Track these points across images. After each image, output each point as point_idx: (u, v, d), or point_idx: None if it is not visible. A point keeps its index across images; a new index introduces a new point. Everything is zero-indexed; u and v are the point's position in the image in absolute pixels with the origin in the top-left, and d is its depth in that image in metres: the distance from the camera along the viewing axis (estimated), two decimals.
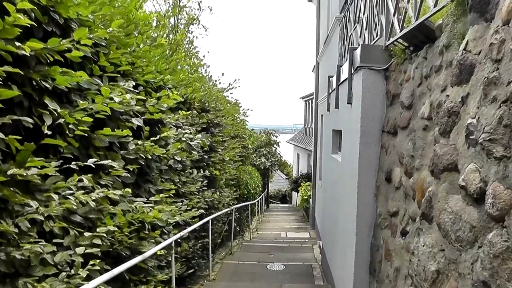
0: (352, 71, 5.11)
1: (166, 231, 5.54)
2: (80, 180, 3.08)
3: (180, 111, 5.96)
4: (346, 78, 5.72)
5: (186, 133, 6.07)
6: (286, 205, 30.72)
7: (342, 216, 5.70)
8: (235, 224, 12.44)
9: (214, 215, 8.17)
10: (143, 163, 4.73)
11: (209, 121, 8.31)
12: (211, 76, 9.40)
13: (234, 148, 9.45)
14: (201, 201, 7.46)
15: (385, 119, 4.45)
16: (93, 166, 3.42)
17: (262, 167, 24.54)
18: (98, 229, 3.23)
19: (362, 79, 4.53)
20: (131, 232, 4.19)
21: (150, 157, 4.82)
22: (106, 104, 3.41)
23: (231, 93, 10.72)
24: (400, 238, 3.78)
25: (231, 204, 10.20)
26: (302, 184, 20.95)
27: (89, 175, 3.67)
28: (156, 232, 4.43)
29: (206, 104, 8.12)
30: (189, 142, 6.00)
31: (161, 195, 4.99)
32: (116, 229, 3.41)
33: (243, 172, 13.29)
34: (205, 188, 7.63)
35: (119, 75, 4.09)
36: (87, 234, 3.12)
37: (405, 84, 3.96)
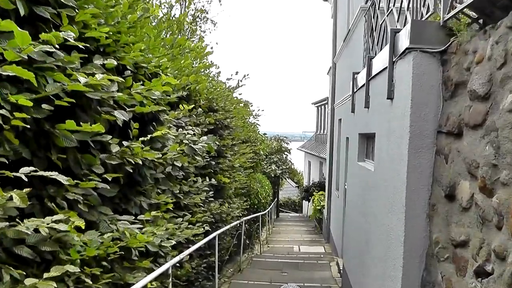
0: (394, 58, 4.10)
1: (162, 254, 4.55)
2: (10, 199, 2.07)
3: (181, 106, 4.97)
4: (383, 69, 4.74)
5: (188, 133, 5.08)
6: (297, 215, 29.61)
7: (377, 237, 4.67)
8: (244, 237, 11.42)
9: (221, 230, 7.16)
10: (132, 170, 3.75)
11: (217, 122, 7.33)
12: (219, 72, 8.48)
13: (245, 154, 8.44)
14: (206, 214, 6.47)
15: (442, 116, 3.43)
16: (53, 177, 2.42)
17: (273, 175, 23.50)
18: (52, 270, 2.23)
19: (413, 64, 3.52)
20: (112, 261, 3.21)
21: (140, 162, 3.83)
22: (66, 85, 2.42)
23: (240, 94, 9.75)
24: (473, 279, 2.74)
25: (241, 216, 9.20)
26: (314, 193, 19.88)
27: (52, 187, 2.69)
28: (144, 262, 3.44)
29: (214, 103, 7.15)
30: (192, 145, 5.01)
31: (153, 212, 3.99)
32: (78, 270, 2.40)
33: (253, 181, 12.28)
34: (212, 198, 6.64)
35: (96, 53, 3.11)
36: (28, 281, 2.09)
37: (476, 68, 2.94)
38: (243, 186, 9.13)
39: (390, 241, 4.01)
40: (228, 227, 7.71)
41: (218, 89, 7.51)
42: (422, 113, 3.51)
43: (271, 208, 18.87)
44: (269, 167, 23.54)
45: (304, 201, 25.96)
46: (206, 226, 5.61)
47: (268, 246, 13.34)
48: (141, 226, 3.69)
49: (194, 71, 5.59)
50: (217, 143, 7.22)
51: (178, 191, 5.34)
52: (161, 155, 4.22)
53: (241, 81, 8.56)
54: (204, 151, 6.40)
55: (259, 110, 10.84)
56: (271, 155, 24.51)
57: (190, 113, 5.44)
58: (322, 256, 11.27)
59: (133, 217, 3.78)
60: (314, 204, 18.73)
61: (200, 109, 6.29)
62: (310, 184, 23.61)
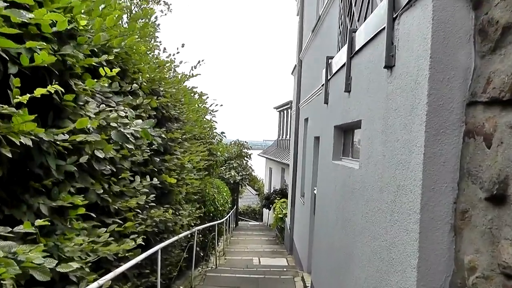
0: (395, 13, 3.00)
1: (74, 279, 3.28)
2: None
3: (102, 71, 3.68)
4: (372, 38, 3.68)
5: (119, 115, 3.81)
6: (257, 223, 28.43)
7: (367, 256, 3.52)
8: (198, 249, 10.10)
9: (166, 242, 5.87)
10: (20, 154, 2.46)
11: (164, 111, 6.06)
12: (164, 48, 7.17)
13: (198, 152, 7.16)
14: (147, 222, 5.18)
15: (476, 80, 2.34)
16: None
17: (232, 181, 22.24)
18: None
19: (433, 9, 2.42)
20: None
21: (30, 143, 2.54)
22: None
23: (194, 88, 8.50)
24: None
25: (193, 225, 7.91)
26: (275, 201, 18.79)
27: None
28: None
29: (160, 87, 5.87)
30: (122, 129, 3.75)
31: (38, 221, 2.70)
32: None
33: (209, 185, 11.00)
34: (153, 204, 5.34)
35: None
36: None
37: None
38: (196, 190, 7.84)
39: (390, 262, 2.87)
40: (176, 238, 6.41)
41: (164, 67, 6.23)
42: (446, 76, 2.41)
43: (229, 216, 17.59)
44: (228, 172, 22.27)
45: (264, 209, 24.83)
46: (141, 238, 4.33)
47: (226, 258, 12.07)
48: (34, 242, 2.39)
49: (127, 34, 4.35)
50: (163, 136, 5.95)
51: (101, 192, 4.03)
52: (66, 136, 2.93)
53: (195, 67, 7.33)
54: (145, 144, 5.14)
55: (216, 105, 9.53)
56: (230, 160, 23.26)
57: (122, 88, 4.16)
58: (285, 269, 10.11)
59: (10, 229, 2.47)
60: (275, 212, 17.61)
61: (141, 91, 5.01)
62: (271, 191, 22.52)
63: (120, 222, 4.28)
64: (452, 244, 2.38)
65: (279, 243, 16.43)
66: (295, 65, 14.84)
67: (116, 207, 4.44)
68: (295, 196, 12.52)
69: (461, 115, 2.40)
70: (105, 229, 3.82)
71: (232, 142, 25.43)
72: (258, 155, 31.38)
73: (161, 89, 6.02)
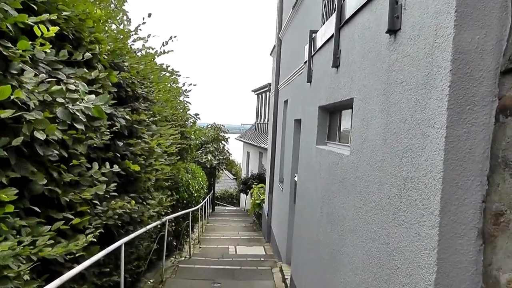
0: None
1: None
2: None
3: (37, 30, 3.00)
4: (365, 3, 3.12)
5: (68, 88, 3.15)
6: (234, 208, 27.94)
7: (359, 258, 3.00)
8: (171, 238, 9.52)
9: (130, 236, 5.26)
10: None
11: (129, 89, 5.40)
12: (129, 19, 6.42)
13: (168, 135, 6.51)
14: (108, 214, 4.56)
15: None
16: None
17: (208, 166, 21.58)
18: None
19: None
20: None
21: None
22: None
23: (168, 66, 7.80)
24: None
25: (163, 214, 7.30)
26: (253, 186, 18.27)
27: None
28: None
29: (123, 61, 5.19)
30: (69, 105, 3.10)
31: None
32: None
33: (183, 171, 10.37)
34: (115, 193, 4.72)
35: None
36: None
37: None
38: (167, 177, 7.21)
39: (394, 272, 2.33)
40: (143, 230, 5.80)
41: (131, 45, 5.55)
42: (474, 36, 1.85)
43: (206, 202, 17.02)
44: (204, 157, 21.59)
45: (242, 194, 24.33)
46: (92, 235, 3.72)
47: (200, 247, 11.52)
48: None
49: None
50: (127, 117, 5.30)
51: (51, 181, 3.40)
52: None
53: (166, 43, 6.64)
54: (104, 125, 4.49)
55: (190, 84, 8.82)
56: (207, 144, 22.58)
57: (72, 57, 3.48)
58: (262, 259, 9.62)
59: None
60: (253, 198, 17.12)
61: (100, 65, 4.33)
62: (249, 176, 21.99)
63: (71, 217, 3.65)
64: (480, 255, 1.85)
65: (257, 230, 15.97)
66: (274, 45, 14.20)
67: (70, 199, 3.81)
68: (274, 182, 12.02)
69: (493, 86, 1.86)
70: (50, 227, 3.19)
71: (209, 126, 24.71)
72: (235, 139, 30.75)
73: (126, 64, 5.34)
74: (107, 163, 4.62)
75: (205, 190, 18.11)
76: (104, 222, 4.42)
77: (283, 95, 10.93)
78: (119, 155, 5.10)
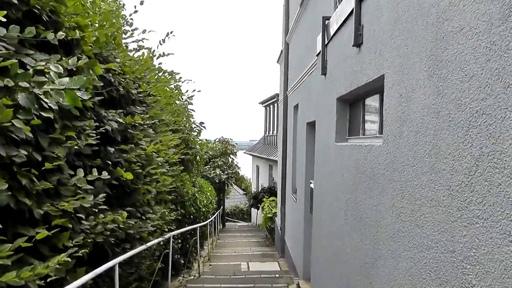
0: None
1: None
2: None
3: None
4: None
5: (45, 69, 2.56)
6: (245, 224, 27.19)
7: (416, 275, 2.32)
8: (178, 256, 8.85)
9: (125, 256, 4.62)
10: None
11: (121, 87, 4.81)
12: (123, 4, 5.84)
13: (167, 141, 5.89)
14: (96, 229, 3.93)
15: None
16: None
17: (217, 180, 20.93)
18: None
19: None
20: None
21: None
22: None
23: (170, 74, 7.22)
24: None
25: (166, 230, 6.66)
26: (264, 199, 17.57)
27: None
28: None
29: (111, 54, 4.60)
30: (37, 90, 2.50)
31: None
32: None
33: (189, 184, 9.74)
34: (105, 207, 4.10)
35: None
36: None
37: None
38: (170, 189, 6.58)
39: None
40: (141, 248, 5.14)
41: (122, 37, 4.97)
42: None
43: (215, 218, 16.34)
44: (212, 171, 20.96)
45: (253, 208, 23.59)
46: (69, 260, 3.10)
47: (211, 265, 10.82)
48: None
49: None
50: (119, 120, 4.70)
51: (17, 190, 2.79)
52: None
53: (163, 41, 6.06)
54: (90, 126, 3.89)
55: (194, 91, 8.23)
56: (215, 158, 21.96)
57: (40, 36, 2.87)
58: (277, 276, 8.89)
59: None
60: (264, 212, 16.39)
61: (84, 56, 3.74)
62: (259, 190, 21.29)
63: (46, 232, 3.02)
64: None
65: (270, 245, 15.23)
66: (281, 51, 13.66)
67: (45, 210, 3.19)
68: (286, 193, 11.33)
69: None
70: (10, 245, 2.56)
71: (217, 140, 24.12)
72: (244, 152, 30.12)
73: (117, 60, 4.76)
74: (94, 170, 4.00)
75: (214, 206, 17.45)
76: (91, 239, 3.78)
77: (292, 101, 10.32)
78: (110, 163, 4.48)
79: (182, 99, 8.42)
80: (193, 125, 8.89)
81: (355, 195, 3.46)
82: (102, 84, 4.05)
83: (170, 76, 6.83)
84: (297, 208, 8.78)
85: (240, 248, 13.99)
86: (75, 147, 3.63)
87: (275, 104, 23.14)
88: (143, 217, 5.34)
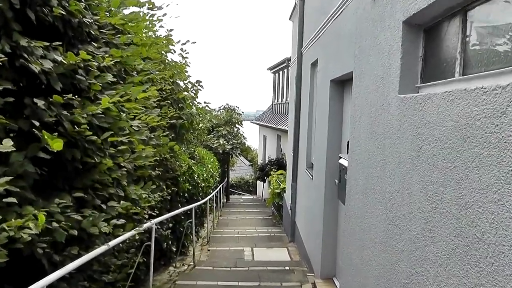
0: None
1: None
2: None
3: None
4: None
5: None
6: (250, 197, 25.77)
7: None
8: (167, 244, 7.30)
9: (63, 270, 3.02)
10: None
11: (67, 13, 3.13)
12: None
13: (141, 94, 4.16)
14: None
15: None
16: None
17: (221, 151, 19.30)
18: None
19: None
20: None
21: None
22: None
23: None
24: None
25: (146, 217, 5.07)
26: (271, 173, 15.99)
27: None
28: None
29: None
30: None
31: None
32: None
33: (184, 155, 8.12)
34: (30, 196, 2.48)
35: None
36: None
37: None
38: (152, 163, 4.95)
39: None
40: (93, 254, 3.53)
41: None
42: None
43: (218, 192, 14.82)
44: (216, 141, 19.33)
45: (258, 181, 22.07)
46: None
47: (209, 250, 9.29)
48: None
49: None
50: (57, 57, 3.04)
51: None
52: None
53: None
54: None
55: (187, 42, 6.50)
56: (218, 127, 20.30)
57: None
58: (287, 268, 7.36)
59: None
60: (271, 187, 14.83)
61: None
62: (266, 162, 19.69)
63: None
64: None
65: (277, 224, 13.72)
66: (295, 4, 11.81)
67: None
68: (298, 168, 9.70)
69: None
70: None
71: (221, 108, 22.39)
72: (251, 122, 28.40)
73: None
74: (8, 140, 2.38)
75: (217, 179, 15.91)
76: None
77: (309, 58, 8.56)
78: (38, 124, 2.84)
79: (174, 51, 6.68)
80: (189, 84, 7.17)
81: (456, 183, 1.80)
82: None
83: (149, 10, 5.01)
84: (313, 187, 7.15)
85: (244, 228, 12.49)
86: None
87: (285, 70, 21.28)
88: (104, 206, 3.74)
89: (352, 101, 3.95)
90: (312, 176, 7.46)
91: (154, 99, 4.34)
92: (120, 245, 4.69)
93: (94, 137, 3.34)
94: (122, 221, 3.78)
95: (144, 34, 5.07)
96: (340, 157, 4.90)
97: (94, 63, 3.37)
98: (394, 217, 2.60)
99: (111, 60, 3.68)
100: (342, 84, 5.88)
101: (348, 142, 5.04)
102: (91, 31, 3.64)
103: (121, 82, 4.06)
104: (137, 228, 4.45)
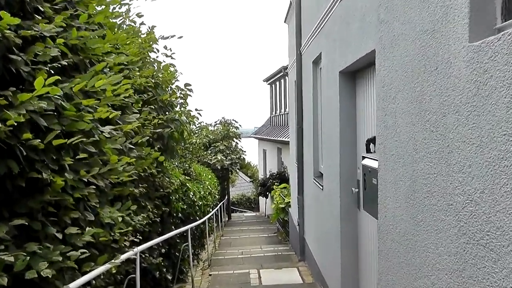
0: None
1: None
2: None
3: None
4: None
5: None
6: (253, 214, 24.75)
7: None
8: (161, 273, 6.33)
9: None
10: None
11: None
12: None
13: (100, 83, 3.24)
14: None
15: None
16: None
17: (219, 167, 18.35)
18: None
19: None
20: None
21: None
22: None
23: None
24: None
25: (125, 245, 4.15)
26: (274, 187, 15.06)
27: None
28: None
29: None
30: None
31: None
32: None
33: (177, 172, 7.21)
34: None
35: None
36: None
37: None
38: (131, 178, 4.03)
39: None
40: None
41: None
42: None
43: (217, 211, 13.88)
44: (214, 157, 18.40)
45: (260, 197, 21.10)
46: None
47: (210, 274, 8.33)
48: None
49: None
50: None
51: None
52: None
53: None
54: None
55: (173, 36, 5.66)
56: (216, 142, 19.40)
57: None
58: None
59: None
60: (275, 202, 13.88)
61: None
62: (267, 176, 18.75)
63: None
64: None
65: (283, 241, 12.75)
66: (290, 3, 11.05)
67: None
68: (304, 179, 8.80)
69: None
70: None
71: (217, 122, 21.51)
72: (249, 136, 27.52)
73: None
74: None
75: (217, 196, 14.96)
76: None
77: (310, 55, 7.73)
78: None
79: (158, 50, 5.83)
80: (176, 89, 6.29)
81: None
82: None
83: None
84: (325, 199, 6.25)
85: (248, 248, 11.51)
86: None
87: (282, 80, 20.50)
88: (61, 234, 2.82)
89: (379, 81, 3.06)
90: (322, 186, 6.55)
91: (125, 95, 3.46)
92: (94, 281, 3.77)
93: (37, 141, 2.45)
94: (84, 251, 2.84)
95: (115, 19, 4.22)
96: (364, 157, 4.00)
97: (30, 32, 2.49)
98: (477, 231, 1.70)
99: (63, 42, 2.80)
100: (353, 75, 5.04)
101: (368, 140, 4.17)
102: (32, 3, 2.76)
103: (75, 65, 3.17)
104: (113, 261, 3.52)
